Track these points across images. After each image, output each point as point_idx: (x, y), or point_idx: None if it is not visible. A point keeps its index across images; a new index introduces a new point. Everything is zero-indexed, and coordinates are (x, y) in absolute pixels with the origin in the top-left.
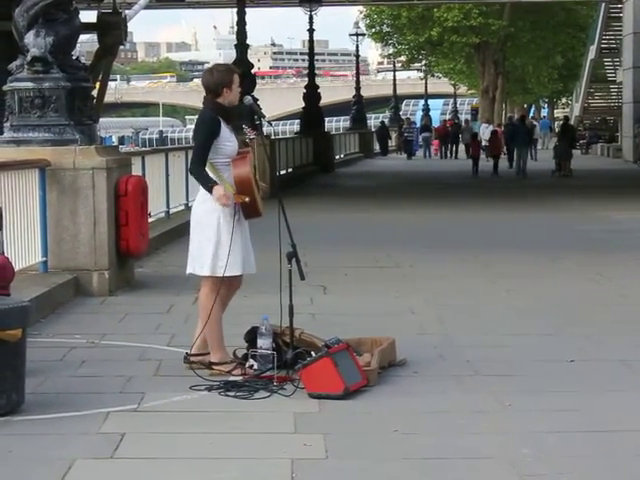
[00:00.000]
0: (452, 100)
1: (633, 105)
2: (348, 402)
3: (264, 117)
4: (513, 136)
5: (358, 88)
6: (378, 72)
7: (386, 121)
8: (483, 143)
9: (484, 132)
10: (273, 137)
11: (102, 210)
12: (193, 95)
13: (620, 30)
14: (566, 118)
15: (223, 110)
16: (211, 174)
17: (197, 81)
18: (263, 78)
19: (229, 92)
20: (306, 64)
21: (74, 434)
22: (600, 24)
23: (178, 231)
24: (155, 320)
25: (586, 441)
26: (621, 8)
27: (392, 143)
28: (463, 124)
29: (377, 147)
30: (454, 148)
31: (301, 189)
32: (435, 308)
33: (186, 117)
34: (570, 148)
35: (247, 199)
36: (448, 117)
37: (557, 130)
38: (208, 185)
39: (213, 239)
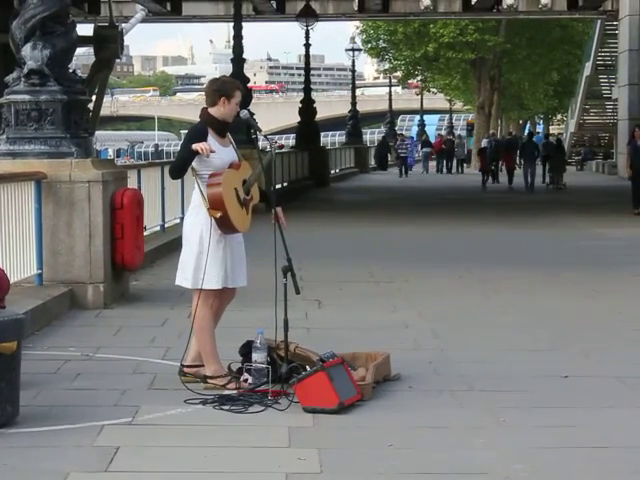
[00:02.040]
0: (448, 115)
1: (628, 122)
2: (343, 416)
3: (260, 131)
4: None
5: (354, 103)
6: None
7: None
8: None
9: (481, 147)
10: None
11: (98, 223)
12: (189, 109)
13: (616, 47)
14: (558, 139)
15: (215, 122)
16: (196, 186)
17: (180, 95)
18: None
19: (226, 103)
20: (302, 79)
21: (68, 447)
22: (596, 41)
23: (173, 244)
24: (150, 333)
25: (580, 457)
26: (617, 25)
27: (391, 158)
28: (457, 140)
29: (372, 162)
30: (450, 164)
31: (296, 203)
32: (430, 323)
33: (181, 131)
34: (563, 163)
35: (218, 215)
36: (442, 132)
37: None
38: (188, 154)
39: (195, 251)
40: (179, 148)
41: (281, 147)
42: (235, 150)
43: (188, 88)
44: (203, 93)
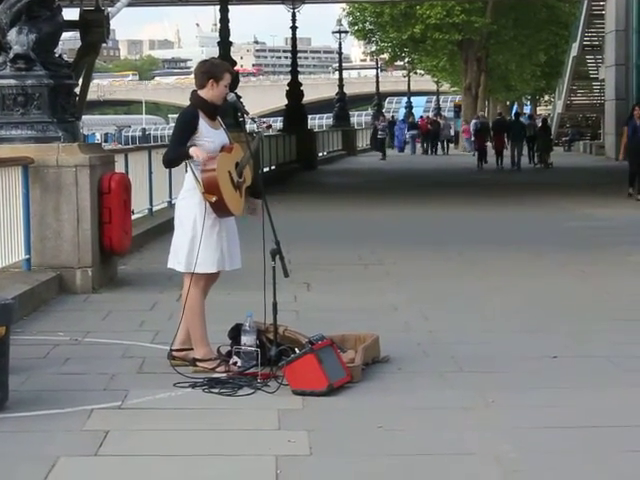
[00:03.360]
0: (435, 97)
1: (615, 102)
2: (332, 398)
3: (247, 114)
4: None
5: (341, 85)
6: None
7: (369, 118)
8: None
9: (473, 128)
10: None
11: (85, 207)
12: (176, 92)
13: (602, 27)
14: (544, 119)
15: (205, 104)
16: (189, 170)
17: (158, 79)
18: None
19: (215, 86)
20: (289, 61)
21: (58, 431)
22: (582, 21)
23: (161, 229)
24: (139, 317)
25: (569, 437)
26: (603, 5)
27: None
28: (442, 121)
29: (362, 144)
30: (436, 145)
31: (284, 186)
32: (419, 305)
33: (169, 115)
34: (550, 142)
35: (213, 199)
36: (425, 114)
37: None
38: (184, 153)
39: (189, 235)
40: (171, 134)
41: (269, 127)
42: (226, 132)
43: (167, 72)
44: (182, 77)
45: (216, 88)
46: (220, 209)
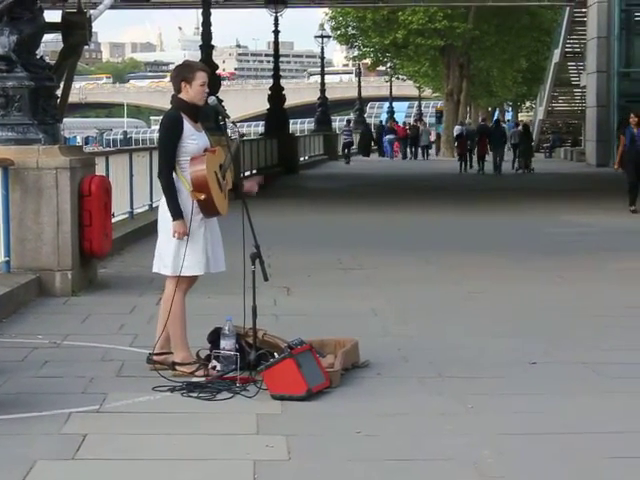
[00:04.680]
0: (417, 103)
1: (596, 109)
2: (311, 403)
3: (228, 118)
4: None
5: (323, 90)
6: (310, 75)
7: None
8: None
9: (456, 133)
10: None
11: (65, 210)
12: (158, 96)
13: (584, 34)
14: (526, 125)
15: (186, 106)
16: (174, 173)
17: (133, 82)
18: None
19: (188, 87)
20: (271, 65)
21: (35, 435)
22: (564, 28)
23: (142, 232)
24: (118, 321)
25: (548, 443)
26: (585, 12)
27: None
28: (422, 127)
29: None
30: (415, 150)
31: (265, 191)
32: (398, 310)
33: (151, 118)
34: (531, 148)
35: (202, 197)
36: (408, 120)
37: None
38: (173, 211)
39: (175, 238)
40: (159, 141)
41: (242, 136)
42: (207, 135)
43: (141, 75)
44: (156, 80)
45: (191, 89)
46: (208, 208)
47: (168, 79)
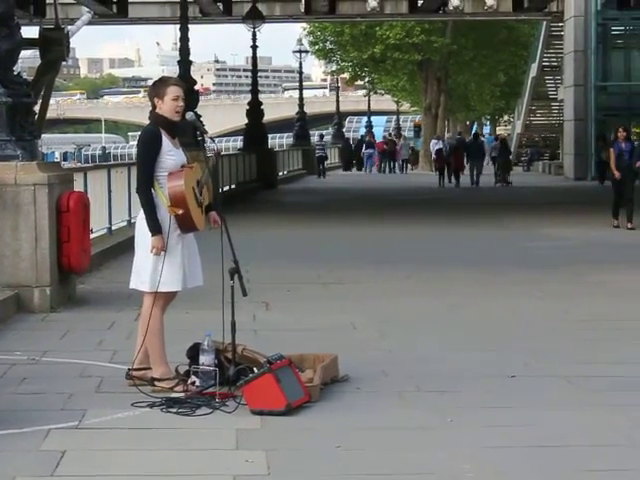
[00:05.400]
0: (395, 117)
1: (574, 123)
2: (290, 418)
3: (206, 133)
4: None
5: (301, 105)
6: (285, 90)
7: (328, 137)
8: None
9: (433, 148)
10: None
11: (44, 226)
12: (136, 111)
13: (561, 48)
14: (503, 139)
15: (164, 121)
16: (153, 190)
17: (107, 98)
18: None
19: (161, 102)
20: (249, 80)
21: (14, 451)
22: (541, 42)
23: (120, 247)
24: (97, 337)
25: (527, 456)
26: (562, 27)
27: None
28: (401, 141)
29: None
30: (392, 164)
31: (244, 205)
32: (378, 324)
33: (129, 133)
34: (509, 162)
35: (180, 212)
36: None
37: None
38: (152, 227)
39: (152, 254)
40: (137, 156)
41: (218, 153)
42: (184, 152)
43: (115, 91)
44: (130, 96)
45: (163, 104)
46: (185, 223)
47: (142, 94)
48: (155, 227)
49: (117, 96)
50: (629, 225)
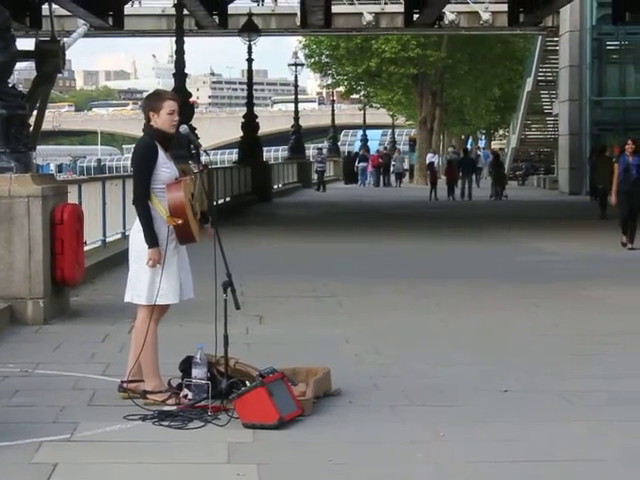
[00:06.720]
0: (390, 131)
1: (569, 137)
2: (282, 432)
3: (200, 146)
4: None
5: (297, 118)
6: (274, 103)
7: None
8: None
9: (429, 161)
10: (211, 166)
11: (37, 238)
12: (132, 123)
13: (556, 63)
14: (496, 153)
15: (158, 134)
16: (150, 203)
17: (96, 110)
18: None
19: (156, 116)
20: (245, 93)
21: (6, 464)
22: (537, 57)
23: (114, 260)
24: (90, 349)
25: (519, 471)
26: (557, 41)
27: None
28: (396, 154)
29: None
30: (387, 178)
31: (239, 218)
32: (370, 338)
33: (124, 146)
34: (503, 176)
35: (180, 221)
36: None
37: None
38: (149, 238)
39: (149, 267)
40: (134, 169)
41: (205, 167)
42: (175, 165)
43: (104, 104)
44: (119, 108)
45: (158, 118)
46: (184, 233)
47: (130, 107)
48: (152, 239)
49: (107, 109)
50: (629, 245)
